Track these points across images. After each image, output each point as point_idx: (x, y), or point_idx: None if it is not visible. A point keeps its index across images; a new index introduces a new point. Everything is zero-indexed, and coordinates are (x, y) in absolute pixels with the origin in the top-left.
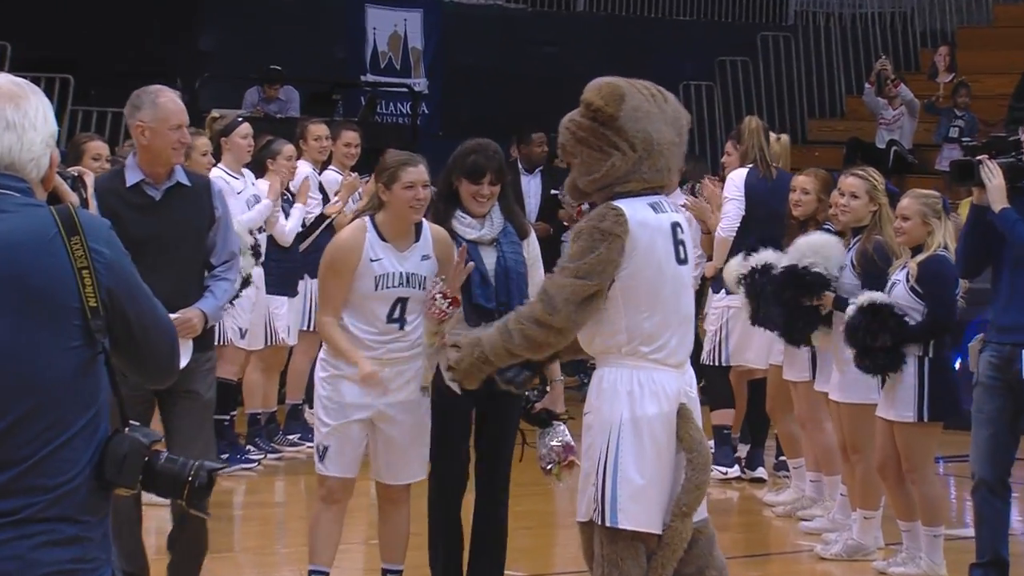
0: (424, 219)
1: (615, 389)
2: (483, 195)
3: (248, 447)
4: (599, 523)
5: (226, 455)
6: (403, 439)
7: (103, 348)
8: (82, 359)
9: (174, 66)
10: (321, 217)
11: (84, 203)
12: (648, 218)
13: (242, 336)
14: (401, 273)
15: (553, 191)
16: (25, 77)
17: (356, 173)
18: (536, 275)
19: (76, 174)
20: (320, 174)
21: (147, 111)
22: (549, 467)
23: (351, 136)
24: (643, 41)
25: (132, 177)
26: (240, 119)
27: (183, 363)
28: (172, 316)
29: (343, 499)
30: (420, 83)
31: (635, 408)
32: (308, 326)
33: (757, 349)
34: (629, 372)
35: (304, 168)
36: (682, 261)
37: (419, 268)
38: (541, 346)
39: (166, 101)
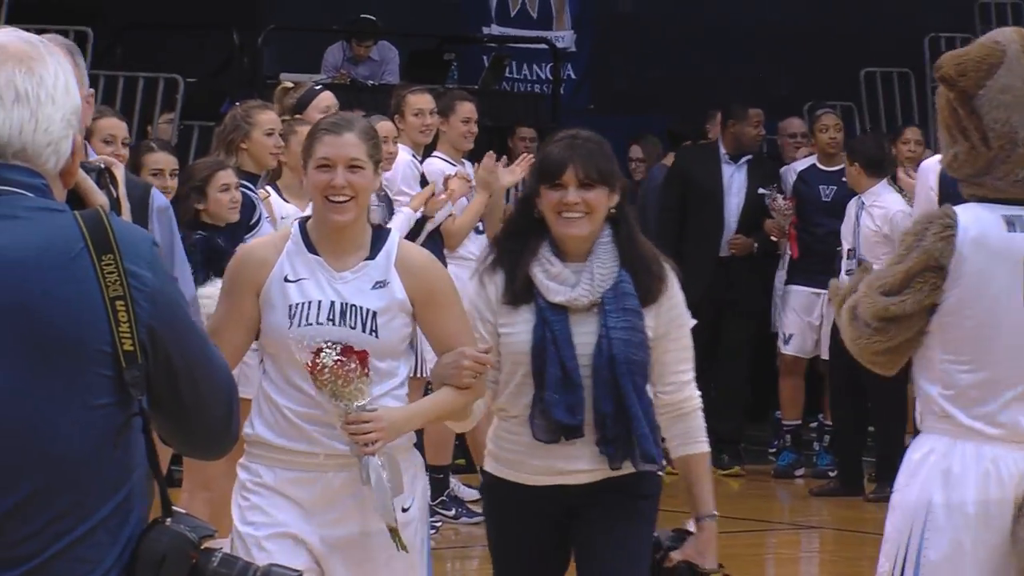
0: (388, 227)
1: (926, 462)
2: (568, 204)
3: None
4: None
5: None
6: None
7: (140, 408)
8: (111, 423)
9: (228, 16)
10: (422, 220)
11: (115, 205)
12: (990, 235)
13: None
14: (332, 303)
15: (761, 189)
16: (29, 30)
17: (468, 164)
18: (670, 353)
19: (103, 165)
20: (422, 162)
21: None
22: None
23: (468, 110)
24: None
25: None
26: (319, 87)
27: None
28: None
29: None
30: (564, 38)
31: (951, 492)
32: (419, 371)
33: None
34: (948, 443)
35: (402, 154)
36: None
37: (366, 299)
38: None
39: None
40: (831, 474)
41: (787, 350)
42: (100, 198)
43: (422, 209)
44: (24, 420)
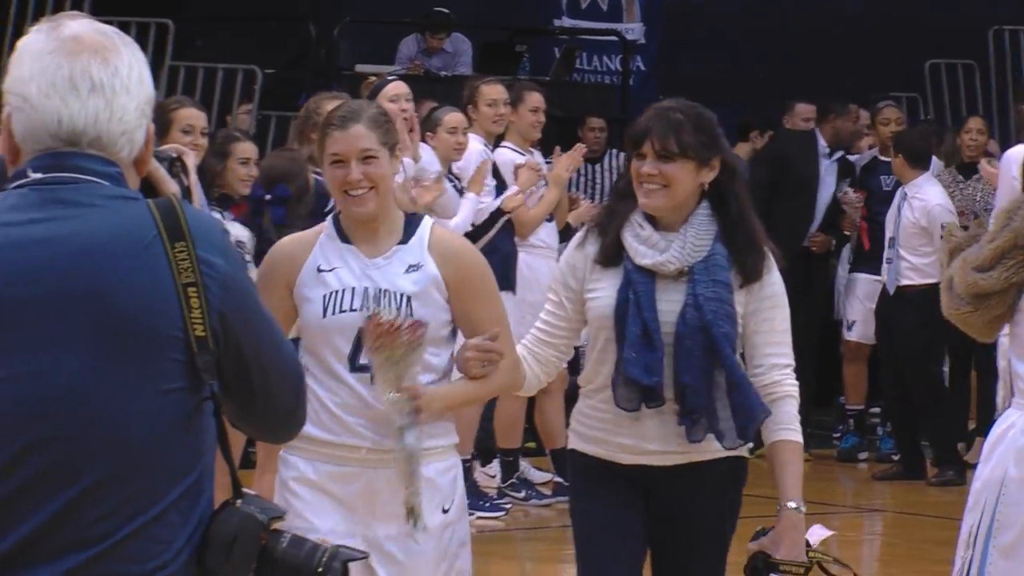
0: (426, 215)
1: (1006, 436)
2: (644, 175)
3: None
4: None
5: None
6: None
7: (211, 392)
8: (183, 407)
9: (305, 9)
10: (497, 213)
11: (186, 194)
12: None
13: None
14: (366, 289)
15: (845, 188)
16: (110, 23)
17: (537, 153)
18: (760, 334)
19: (174, 154)
20: (492, 151)
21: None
22: None
23: (537, 99)
24: None
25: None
26: (391, 77)
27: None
28: None
29: None
30: (634, 30)
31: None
32: None
33: None
34: None
35: (474, 144)
36: None
37: (400, 283)
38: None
39: None
40: (894, 458)
41: (851, 336)
42: (172, 186)
43: (498, 202)
44: (100, 406)
